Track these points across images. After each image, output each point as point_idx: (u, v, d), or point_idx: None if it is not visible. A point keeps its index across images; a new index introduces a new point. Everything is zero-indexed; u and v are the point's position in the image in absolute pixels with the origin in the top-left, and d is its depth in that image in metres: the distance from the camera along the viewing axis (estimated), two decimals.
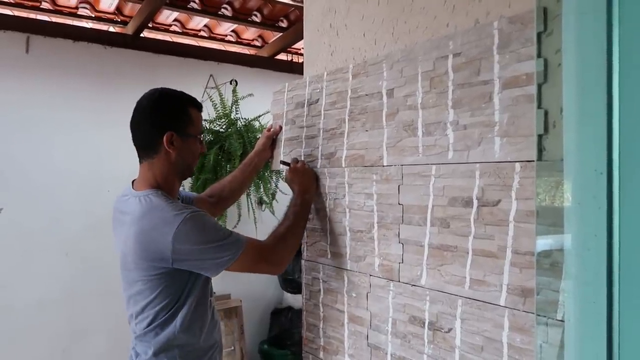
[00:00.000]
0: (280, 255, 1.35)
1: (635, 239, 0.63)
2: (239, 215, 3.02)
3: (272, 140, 1.67)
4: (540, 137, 0.90)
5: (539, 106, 0.90)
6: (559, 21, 0.87)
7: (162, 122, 1.29)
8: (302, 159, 1.52)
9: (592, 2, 0.71)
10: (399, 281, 1.20)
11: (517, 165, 0.95)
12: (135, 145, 1.33)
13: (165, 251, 1.19)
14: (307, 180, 1.45)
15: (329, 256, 1.44)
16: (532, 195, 0.91)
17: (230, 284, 3.32)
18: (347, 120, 1.36)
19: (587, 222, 0.68)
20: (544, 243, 0.85)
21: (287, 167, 1.51)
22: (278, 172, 2.96)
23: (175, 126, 1.30)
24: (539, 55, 0.90)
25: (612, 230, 0.65)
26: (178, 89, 1.37)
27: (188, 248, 1.20)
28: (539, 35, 0.90)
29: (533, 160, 0.91)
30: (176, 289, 1.27)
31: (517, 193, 0.95)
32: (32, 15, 2.97)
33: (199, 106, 1.38)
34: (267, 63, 3.71)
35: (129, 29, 3.15)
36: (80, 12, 3.07)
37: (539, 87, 0.90)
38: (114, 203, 1.38)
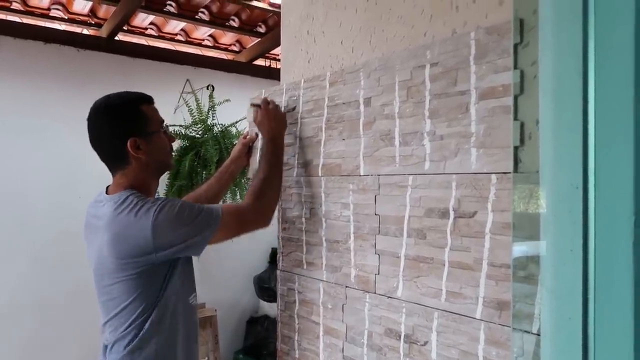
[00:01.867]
0: (262, 210, 1.32)
1: (610, 255, 0.63)
2: None
3: (249, 148, 1.64)
4: (516, 148, 0.89)
5: (515, 118, 0.90)
6: (535, 33, 0.87)
7: (120, 131, 1.24)
8: None
9: (567, 14, 0.71)
10: (375, 293, 1.18)
11: (494, 176, 0.94)
12: (102, 161, 1.30)
13: (147, 244, 1.16)
14: (277, 124, 1.42)
15: (305, 267, 1.42)
16: (508, 207, 0.91)
17: (205, 292, 3.26)
18: (323, 129, 1.34)
19: (562, 237, 0.67)
20: (519, 256, 0.85)
21: (257, 109, 1.46)
22: None
23: (134, 130, 1.25)
24: (515, 67, 0.90)
25: (588, 245, 0.64)
26: (148, 92, 1.32)
27: (170, 235, 1.18)
28: (515, 46, 0.90)
29: (509, 172, 0.91)
30: (153, 290, 1.23)
31: (493, 205, 0.94)
32: (2, 15, 2.88)
33: (149, 99, 1.32)
34: (244, 68, 3.68)
35: (103, 32, 3.08)
36: (53, 13, 2.99)
37: (515, 98, 0.89)
38: (87, 208, 1.34)
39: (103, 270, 1.25)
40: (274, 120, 1.42)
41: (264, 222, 1.34)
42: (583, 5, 0.70)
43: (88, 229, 1.32)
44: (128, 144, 1.23)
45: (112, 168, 1.30)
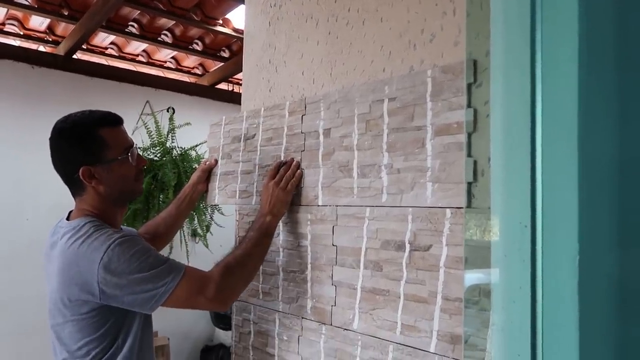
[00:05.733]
0: (225, 290, 1.14)
1: (556, 293, 0.64)
2: (171, 248, 2.89)
3: (208, 174, 1.62)
4: (469, 184, 0.92)
5: (469, 155, 0.92)
6: (488, 74, 0.91)
7: (72, 158, 1.16)
8: (238, 194, 1.48)
9: (516, 59, 0.74)
10: (331, 324, 1.17)
11: (448, 211, 0.96)
12: (64, 183, 1.23)
13: (93, 283, 1.05)
14: (281, 204, 1.26)
15: (261, 296, 1.39)
16: (462, 242, 0.92)
17: (157, 320, 3.15)
18: (283, 158, 1.34)
19: (512, 275, 0.69)
20: (472, 290, 0.86)
21: (274, 170, 1.30)
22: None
23: (88, 158, 1.15)
24: (468, 105, 0.93)
25: (536, 283, 0.66)
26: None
27: (117, 279, 1.05)
28: (469, 86, 0.93)
29: (463, 207, 0.93)
30: (112, 330, 1.13)
31: (447, 239, 0.96)
32: None
33: (112, 122, 1.21)
34: (207, 92, 3.67)
35: (60, 50, 3.01)
36: (7, 28, 2.91)
37: (469, 136, 0.92)
38: (48, 237, 1.24)
39: (54, 306, 1.14)
40: (277, 198, 1.25)
41: (222, 304, 1.16)
42: (531, 50, 0.73)
43: (46, 260, 1.21)
44: (80, 172, 1.15)
45: (71, 192, 1.22)
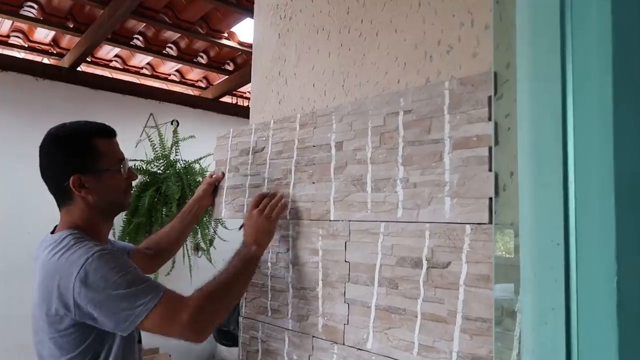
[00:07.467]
0: (202, 318, 1.08)
1: (593, 316, 0.61)
2: (173, 262, 2.86)
3: (214, 187, 1.58)
4: (491, 200, 0.89)
5: (490, 169, 0.89)
6: (508, 86, 0.88)
7: (65, 165, 1.14)
8: (246, 208, 1.44)
9: (545, 71, 0.72)
10: (344, 344, 1.13)
11: (468, 227, 0.92)
12: (50, 193, 1.20)
13: (69, 296, 1.02)
14: (264, 234, 1.25)
15: (269, 314, 1.35)
16: (483, 259, 0.89)
17: (158, 335, 3.09)
18: (293, 171, 1.31)
19: (543, 295, 0.65)
20: (499, 311, 0.82)
21: (253, 205, 1.30)
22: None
23: (81, 167, 1.14)
24: (489, 118, 0.91)
25: (570, 304, 0.63)
26: (111, 124, 1.23)
27: (92, 294, 1.01)
28: (489, 98, 0.91)
29: (483, 223, 0.89)
30: (92, 347, 1.09)
31: (467, 256, 0.92)
32: None
33: (107, 133, 1.21)
34: (211, 105, 3.65)
35: (65, 62, 3.00)
36: (12, 40, 2.90)
37: (489, 150, 0.90)
38: (34, 252, 1.22)
39: (35, 323, 1.12)
40: (260, 227, 1.24)
41: (197, 335, 1.08)
42: (561, 61, 0.70)
43: (32, 275, 1.18)
44: (70, 181, 1.13)
45: (58, 201, 1.19)
